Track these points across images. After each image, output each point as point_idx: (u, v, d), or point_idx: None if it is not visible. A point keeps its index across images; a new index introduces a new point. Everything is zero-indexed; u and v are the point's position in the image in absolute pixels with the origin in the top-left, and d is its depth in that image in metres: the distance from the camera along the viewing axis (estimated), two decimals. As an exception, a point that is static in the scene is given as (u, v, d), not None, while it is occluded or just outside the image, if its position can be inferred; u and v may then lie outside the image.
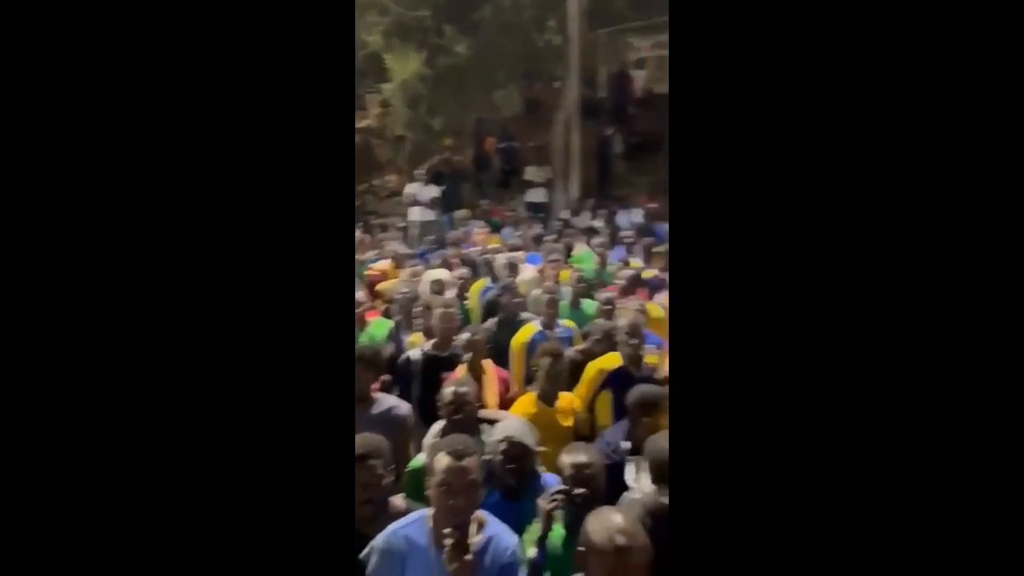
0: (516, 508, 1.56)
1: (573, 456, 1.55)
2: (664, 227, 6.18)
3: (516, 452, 1.63)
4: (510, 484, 1.63)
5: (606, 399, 2.47)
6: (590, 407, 2.49)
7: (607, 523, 1.13)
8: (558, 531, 1.52)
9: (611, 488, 1.76)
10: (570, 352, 2.60)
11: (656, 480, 1.48)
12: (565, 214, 7.75)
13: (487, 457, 1.60)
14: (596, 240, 4.69)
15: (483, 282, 4.01)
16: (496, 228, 6.70)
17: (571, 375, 2.49)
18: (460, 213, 7.28)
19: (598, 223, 6.46)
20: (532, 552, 1.41)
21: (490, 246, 5.34)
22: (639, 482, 1.75)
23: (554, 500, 1.46)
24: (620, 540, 1.09)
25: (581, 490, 1.49)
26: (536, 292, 3.63)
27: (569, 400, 2.38)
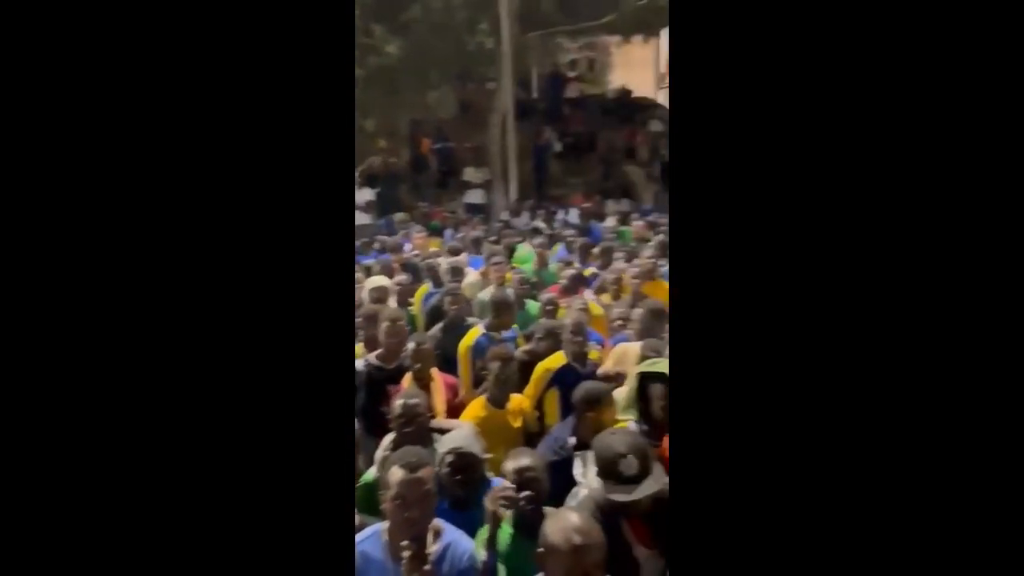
0: (465, 517, 1.57)
1: (516, 461, 1.58)
2: (599, 226, 6.39)
3: (463, 463, 1.65)
4: (459, 495, 1.65)
5: (553, 397, 2.54)
6: (539, 406, 2.55)
7: (564, 523, 1.16)
8: (506, 530, 1.55)
9: (560, 484, 1.81)
10: (517, 353, 2.64)
11: (603, 475, 1.54)
12: (505, 215, 7.81)
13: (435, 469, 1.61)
14: (535, 241, 4.77)
15: (426, 287, 3.98)
16: (437, 231, 6.64)
17: (520, 376, 2.53)
18: (399, 216, 7.15)
19: (541, 224, 6.54)
20: (483, 554, 1.43)
21: (431, 250, 5.29)
22: (586, 477, 1.81)
23: (501, 501, 1.49)
24: (577, 540, 1.12)
25: (526, 493, 1.52)
26: (481, 295, 3.65)
27: (519, 401, 2.42)
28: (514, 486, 1.51)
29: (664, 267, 4.40)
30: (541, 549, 1.18)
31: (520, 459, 1.59)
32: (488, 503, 1.49)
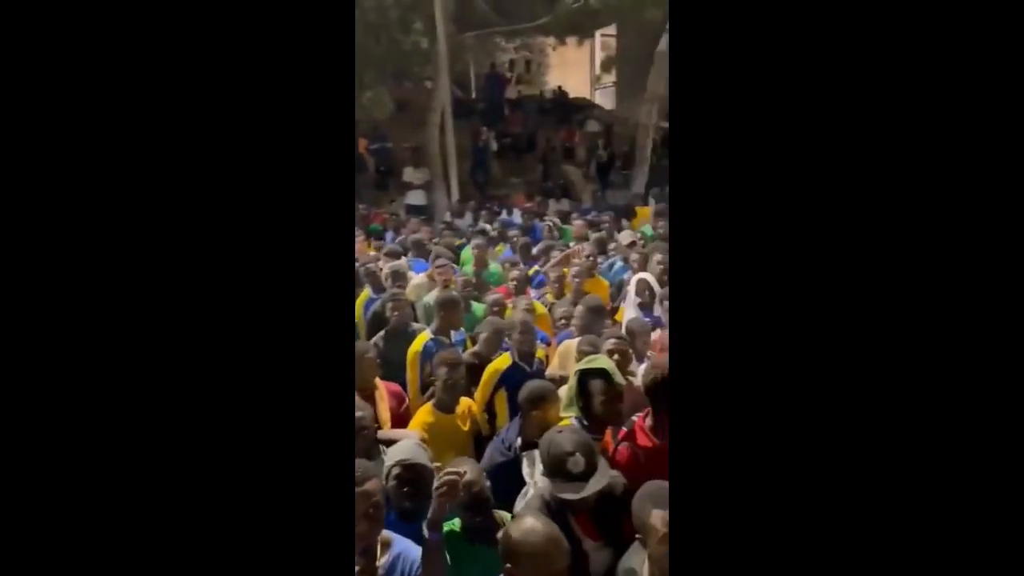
0: (414, 528, 1.53)
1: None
2: (540, 225, 6.49)
3: (410, 475, 1.62)
4: (407, 507, 1.62)
5: (503, 398, 2.56)
6: (489, 408, 2.56)
7: (531, 534, 1.16)
8: (452, 525, 1.54)
9: (509, 485, 1.82)
10: (464, 357, 2.64)
11: (550, 474, 1.57)
12: (447, 217, 7.75)
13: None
14: (476, 242, 4.75)
15: (366, 293, 3.89)
16: (378, 234, 6.48)
17: (469, 378, 2.52)
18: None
19: (487, 225, 6.52)
20: (426, 533, 1.36)
21: (370, 253, 5.16)
22: (534, 476, 1.84)
23: (443, 486, 1.43)
24: (546, 549, 1.13)
25: (470, 514, 1.52)
26: (427, 299, 3.61)
27: (467, 404, 2.42)
28: (456, 473, 1.45)
29: (603, 263, 4.54)
30: (508, 565, 1.18)
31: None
32: (434, 493, 1.47)
